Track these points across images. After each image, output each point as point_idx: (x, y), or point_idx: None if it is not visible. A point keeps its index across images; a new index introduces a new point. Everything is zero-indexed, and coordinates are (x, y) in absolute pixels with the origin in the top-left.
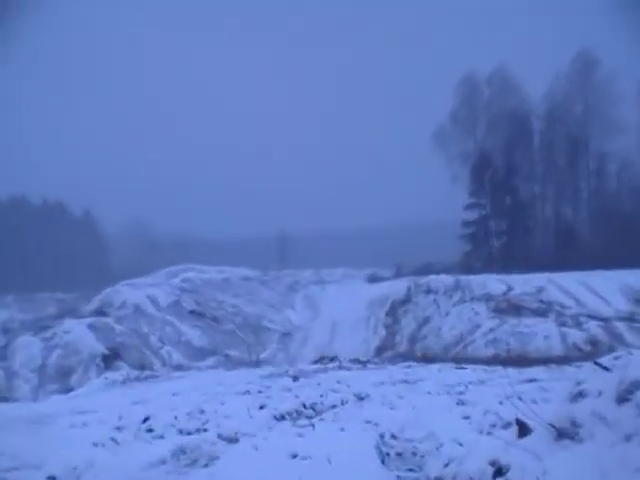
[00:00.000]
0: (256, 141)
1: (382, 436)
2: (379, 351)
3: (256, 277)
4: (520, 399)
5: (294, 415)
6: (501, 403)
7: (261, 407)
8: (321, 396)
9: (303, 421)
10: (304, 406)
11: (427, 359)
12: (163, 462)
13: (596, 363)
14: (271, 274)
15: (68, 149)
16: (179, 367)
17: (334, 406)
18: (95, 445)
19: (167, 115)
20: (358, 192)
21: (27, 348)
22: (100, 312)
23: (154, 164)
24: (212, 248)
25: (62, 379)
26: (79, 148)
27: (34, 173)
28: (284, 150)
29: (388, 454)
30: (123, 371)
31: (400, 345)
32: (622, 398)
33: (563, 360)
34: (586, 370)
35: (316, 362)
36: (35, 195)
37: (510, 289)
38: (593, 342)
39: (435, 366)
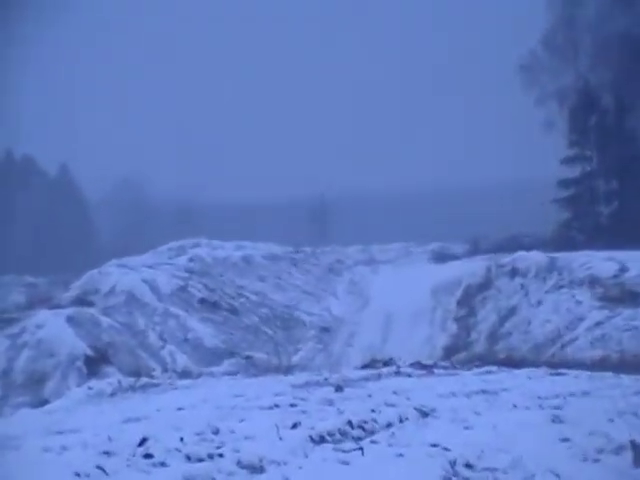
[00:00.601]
0: (289, 80)
1: (453, 464)
2: (448, 352)
3: (286, 255)
4: (637, 416)
5: (337, 436)
6: (612, 421)
7: (294, 426)
8: (372, 411)
9: (349, 444)
10: (350, 424)
11: (512, 362)
12: None
13: None
14: (306, 251)
15: (41, 91)
16: (186, 373)
17: (390, 425)
18: (77, 475)
19: (175, 52)
20: (420, 145)
21: None
22: (82, 301)
23: (149, 107)
24: (228, 217)
25: (33, 388)
26: (54, 90)
27: None
28: (326, 92)
29: None
30: (112, 378)
31: (476, 344)
32: None
33: None
34: None
35: (365, 367)
36: None
37: (623, 270)
38: None
39: (523, 372)
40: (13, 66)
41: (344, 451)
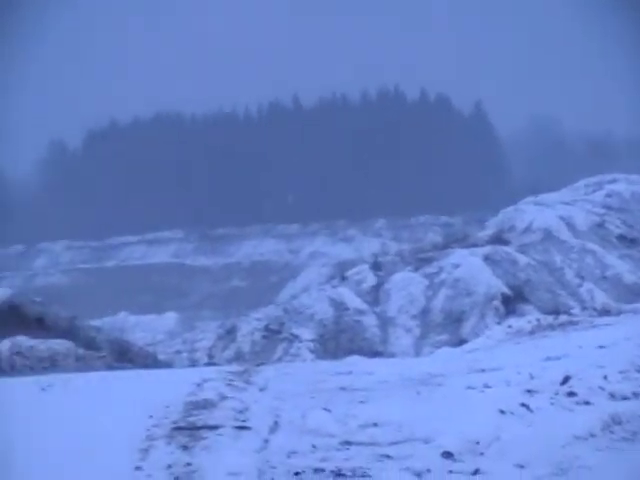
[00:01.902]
0: None
1: None
2: None
3: None
4: None
5: None
6: None
7: None
8: None
9: None
10: None
11: None
12: (592, 435)
13: None
14: None
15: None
16: (605, 311)
17: None
18: (502, 413)
19: None
20: None
21: (405, 288)
22: (498, 239)
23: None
24: None
25: (451, 327)
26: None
27: (410, 60)
28: None
29: None
30: (531, 316)
31: None
32: None
33: None
34: None
35: None
36: (411, 87)
37: None
38: None
39: None
40: None
41: None
